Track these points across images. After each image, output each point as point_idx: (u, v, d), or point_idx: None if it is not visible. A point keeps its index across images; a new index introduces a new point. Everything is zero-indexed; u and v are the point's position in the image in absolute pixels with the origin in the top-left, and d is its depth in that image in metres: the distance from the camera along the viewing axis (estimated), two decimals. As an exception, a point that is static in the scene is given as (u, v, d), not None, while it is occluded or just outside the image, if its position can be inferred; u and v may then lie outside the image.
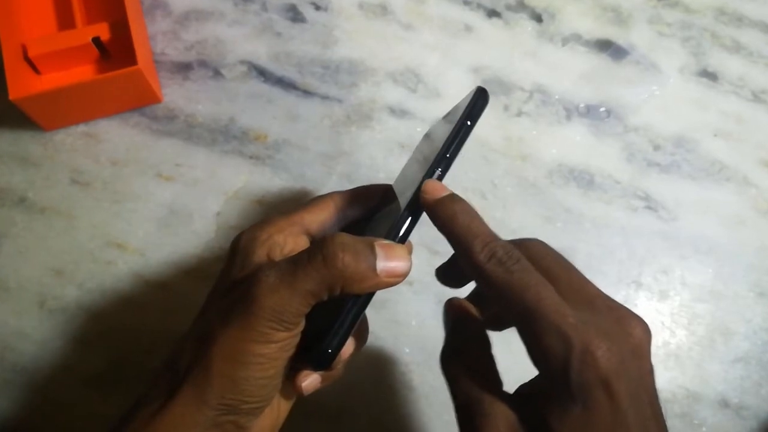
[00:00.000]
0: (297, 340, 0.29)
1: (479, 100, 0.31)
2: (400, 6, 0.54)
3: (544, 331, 0.25)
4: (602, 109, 0.52)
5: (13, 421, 0.44)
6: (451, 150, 0.30)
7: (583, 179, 0.50)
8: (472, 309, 0.32)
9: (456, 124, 0.31)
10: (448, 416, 0.45)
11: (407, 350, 0.46)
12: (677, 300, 0.48)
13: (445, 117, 0.35)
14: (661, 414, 0.26)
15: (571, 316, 0.25)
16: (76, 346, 0.46)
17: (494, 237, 0.28)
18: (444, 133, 0.32)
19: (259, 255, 0.31)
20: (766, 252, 0.49)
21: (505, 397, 0.28)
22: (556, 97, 0.52)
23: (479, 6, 0.54)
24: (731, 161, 0.51)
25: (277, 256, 0.31)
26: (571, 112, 0.52)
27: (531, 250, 0.29)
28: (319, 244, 0.28)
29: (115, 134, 0.50)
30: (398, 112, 0.51)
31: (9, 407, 0.44)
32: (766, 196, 0.50)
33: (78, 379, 0.45)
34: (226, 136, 0.50)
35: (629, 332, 0.26)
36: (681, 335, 0.47)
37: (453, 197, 0.29)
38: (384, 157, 0.50)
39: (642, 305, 0.47)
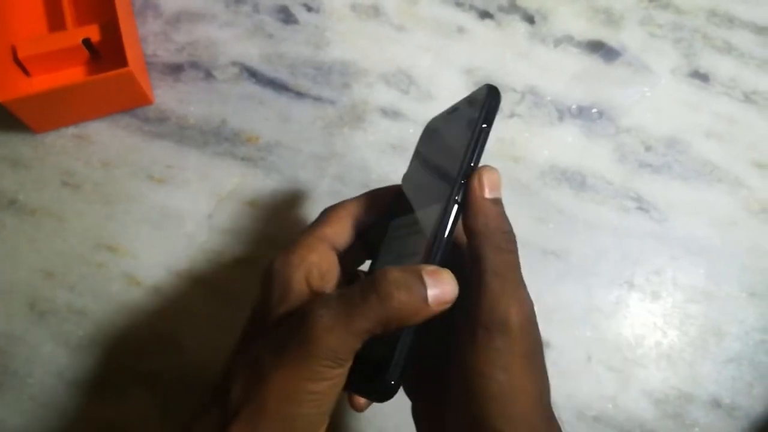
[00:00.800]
0: (347, 372, 0.29)
1: (492, 101, 0.31)
2: (392, 7, 0.54)
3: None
4: (594, 110, 0.52)
5: (3, 425, 0.44)
6: (474, 159, 0.30)
7: (576, 180, 0.50)
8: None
9: (474, 131, 0.30)
10: (441, 418, 0.45)
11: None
12: (669, 301, 0.48)
13: (451, 114, 0.35)
14: None
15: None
16: (66, 349, 0.45)
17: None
18: (460, 137, 0.31)
19: (298, 281, 0.31)
20: (757, 252, 0.49)
21: None
22: (549, 98, 0.52)
23: (471, 7, 0.54)
24: (723, 162, 0.51)
25: (316, 278, 0.31)
26: (563, 113, 0.52)
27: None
28: (371, 283, 0.27)
29: (106, 136, 0.50)
30: (391, 114, 0.51)
31: (-1, 411, 0.44)
32: (757, 197, 0.50)
33: (69, 382, 0.45)
34: (217, 138, 0.50)
35: (524, 308, 0.30)
36: (673, 336, 0.47)
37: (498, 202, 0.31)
38: (376, 159, 0.50)
39: (634, 306, 0.47)
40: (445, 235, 0.29)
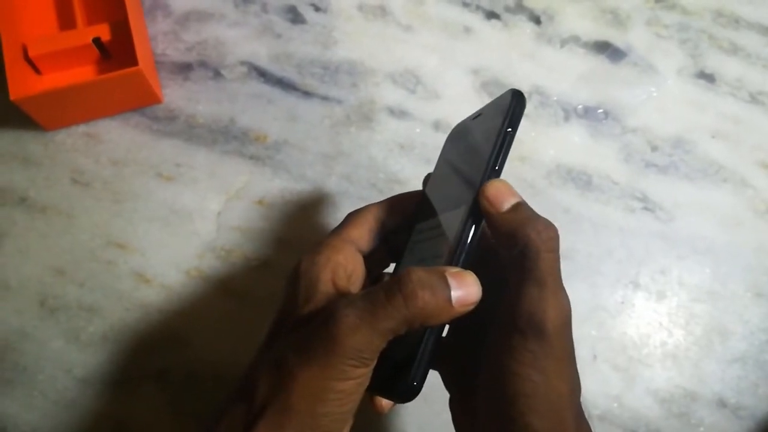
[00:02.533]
0: (371, 372, 0.29)
1: (517, 106, 0.31)
2: (399, 7, 0.54)
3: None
4: (600, 111, 0.52)
5: (14, 420, 0.44)
6: (499, 162, 0.30)
7: (581, 180, 0.50)
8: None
9: (499, 135, 0.30)
10: (447, 415, 0.45)
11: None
12: (675, 300, 0.48)
13: (476, 119, 0.35)
14: None
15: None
16: (76, 346, 0.46)
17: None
18: (484, 140, 0.31)
19: (324, 281, 0.31)
20: (763, 252, 0.49)
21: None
22: (555, 98, 0.52)
23: (478, 8, 0.54)
24: (729, 162, 0.51)
25: (342, 278, 0.31)
26: (570, 113, 0.52)
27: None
28: (396, 283, 0.28)
29: (116, 134, 0.50)
30: (398, 113, 0.51)
31: (9, 406, 0.45)
32: (763, 197, 0.50)
33: (79, 379, 0.45)
34: (226, 137, 0.50)
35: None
36: (678, 335, 0.47)
37: (518, 206, 0.31)
38: (384, 158, 0.50)
39: (640, 305, 0.48)
40: (469, 238, 0.30)
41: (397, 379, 0.29)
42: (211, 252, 0.48)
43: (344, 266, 0.32)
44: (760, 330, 0.47)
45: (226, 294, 0.47)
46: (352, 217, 0.35)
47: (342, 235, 0.33)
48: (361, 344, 0.27)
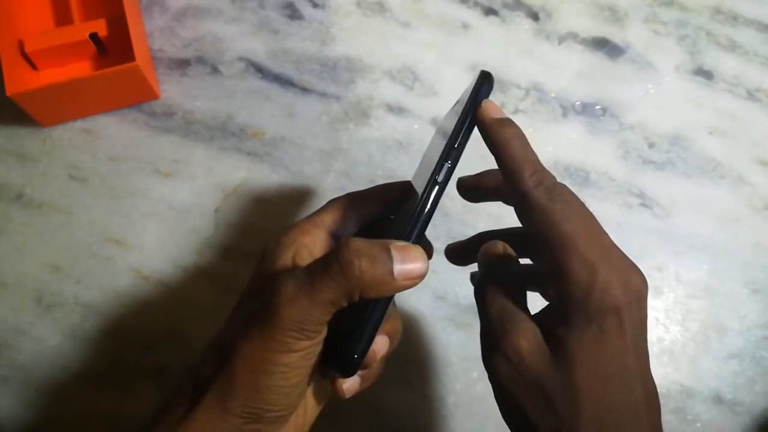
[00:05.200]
0: (319, 347, 0.29)
1: (483, 85, 0.30)
2: (397, 4, 0.54)
3: (574, 258, 0.27)
4: (598, 107, 0.52)
5: (11, 418, 0.44)
6: (458, 141, 0.30)
7: (579, 176, 0.50)
8: (509, 250, 0.33)
9: (461, 113, 0.30)
10: (446, 412, 0.45)
11: (403, 347, 0.46)
12: (672, 296, 0.48)
13: (453, 107, 0.35)
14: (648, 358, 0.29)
15: (598, 251, 0.28)
16: (73, 343, 0.46)
17: (543, 167, 0.29)
18: (452, 124, 0.31)
19: (284, 259, 0.31)
20: (760, 249, 0.49)
21: (532, 317, 0.30)
22: (553, 95, 0.52)
23: (476, 4, 0.54)
24: (726, 159, 0.51)
25: (305, 258, 0.31)
26: (567, 109, 0.52)
27: (565, 191, 0.29)
28: (334, 252, 0.28)
29: (113, 130, 0.50)
30: (396, 110, 0.51)
31: (7, 404, 0.44)
32: (760, 194, 0.50)
33: (76, 376, 0.45)
34: (224, 133, 0.50)
35: (636, 279, 0.28)
36: (675, 331, 0.47)
37: (510, 122, 0.30)
38: (382, 154, 0.50)
39: (637, 302, 0.48)
40: (424, 213, 0.29)
41: (338, 353, 0.29)
42: (209, 248, 0.48)
43: (309, 248, 0.32)
44: (756, 326, 0.47)
45: (223, 290, 0.47)
46: (330, 202, 0.35)
47: (314, 219, 0.33)
48: (300, 315, 0.27)
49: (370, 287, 0.27)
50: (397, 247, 0.28)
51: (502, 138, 0.29)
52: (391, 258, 0.28)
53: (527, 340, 0.28)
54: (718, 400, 0.46)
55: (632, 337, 0.27)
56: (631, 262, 0.29)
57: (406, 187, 0.35)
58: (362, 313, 0.29)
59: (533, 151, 0.30)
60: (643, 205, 0.50)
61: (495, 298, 0.30)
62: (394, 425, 0.45)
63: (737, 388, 0.46)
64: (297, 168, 0.50)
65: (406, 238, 0.29)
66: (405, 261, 0.28)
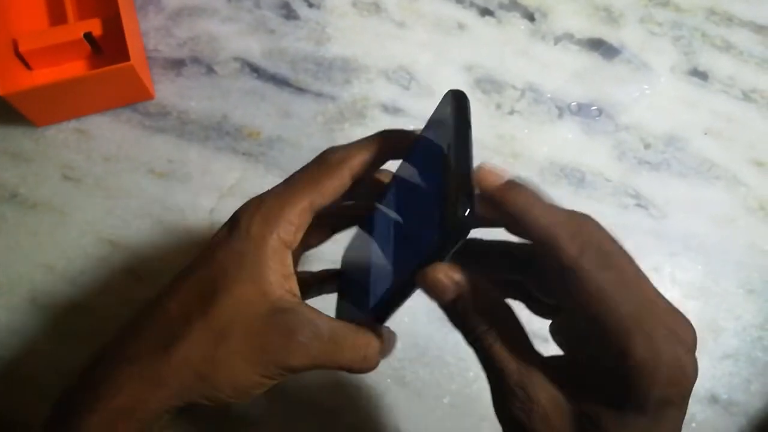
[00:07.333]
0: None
1: (461, 100, 0.28)
2: (393, 4, 0.54)
3: (634, 338, 0.23)
4: (593, 108, 0.52)
5: (3, 420, 0.44)
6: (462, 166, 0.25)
7: (575, 177, 0.50)
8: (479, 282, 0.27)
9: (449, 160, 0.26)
10: (441, 411, 0.45)
11: (399, 347, 0.46)
12: (667, 297, 0.48)
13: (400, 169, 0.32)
14: None
15: (662, 324, 0.23)
16: (67, 343, 0.45)
17: (576, 222, 0.25)
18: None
19: (272, 241, 0.28)
20: (755, 250, 0.49)
21: (547, 370, 0.25)
22: (548, 95, 0.52)
23: (472, 4, 0.54)
24: (721, 160, 0.51)
25: (290, 238, 0.29)
26: (563, 110, 0.52)
27: (592, 233, 0.25)
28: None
29: (107, 130, 0.50)
30: (391, 110, 0.51)
31: (0, 404, 0.44)
32: (755, 195, 0.50)
33: (70, 377, 0.45)
34: (219, 133, 0.50)
35: (690, 336, 0.24)
36: (671, 332, 0.47)
37: (515, 182, 0.26)
38: (377, 155, 0.50)
39: (633, 302, 0.48)
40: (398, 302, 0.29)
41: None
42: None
43: (294, 225, 0.29)
44: (752, 326, 0.47)
45: (218, 291, 0.47)
46: (323, 163, 0.30)
47: (298, 189, 0.30)
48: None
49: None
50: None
51: (518, 206, 0.25)
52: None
53: (555, 418, 0.24)
54: (713, 400, 0.46)
55: (680, 423, 0.24)
56: (679, 314, 0.25)
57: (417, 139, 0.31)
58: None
59: (551, 200, 0.25)
60: (638, 205, 0.50)
61: (502, 361, 0.25)
62: (391, 424, 0.45)
63: (732, 389, 0.46)
64: (292, 168, 0.49)
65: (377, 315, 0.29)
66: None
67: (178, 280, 0.30)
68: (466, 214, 0.23)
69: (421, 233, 0.26)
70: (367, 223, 0.34)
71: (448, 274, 0.25)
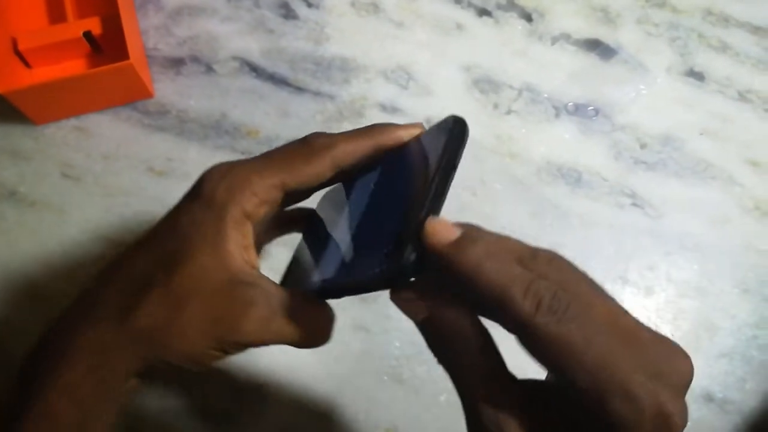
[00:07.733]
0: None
1: (455, 127, 0.27)
2: (391, 4, 0.54)
3: (609, 393, 0.21)
4: (590, 108, 0.52)
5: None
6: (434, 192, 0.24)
7: (571, 177, 0.51)
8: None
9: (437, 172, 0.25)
10: (437, 409, 0.45)
11: (397, 344, 0.46)
12: (663, 296, 0.48)
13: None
14: None
15: (638, 372, 0.21)
16: (66, 340, 0.46)
17: (530, 276, 0.22)
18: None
19: (234, 213, 0.28)
20: (750, 249, 0.49)
21: (524, 401, 0.24)
22: (545, 95, 0.52)
23: (470, 5, 0.55)
24: (717, 160, 0.51)
25: (255, 211, 0.28)
26: (560, 110, 0.52)
27: (560, 272, 0.23)
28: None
29: (107, 129, 0.50)
30: (390, 109, 0.52)
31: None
32: (751, 195, 0.51)
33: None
34: (218, 132, 0.50)
35: (681, 370, 0.22)
36: (666, 331, 0.48)
37: (468, 237, 0.23)
38: (375, 154, 0.50)
39: (628, 301, 0.48)
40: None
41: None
42: (202, 247, 0.48)
43: (260, 197, 0.28)
44: (747, 325, 0.48)
45: (217, 289, 0.47)
46: (307, 146, 0.30)
47: (275, 163, 0.29)
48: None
49: None
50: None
51: (467, 266, 0.22)
52: None
53: None
54: (708, 398, 0.46)
55: None
56: (669, 343, 0.23)
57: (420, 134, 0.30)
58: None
59: (509, 250, 0.23)
60: (634, 205, 0.50)
61: (472, 391, 0.24)
62: (388, 421, 0.45)
63: (727, 387, 0.46)
64: (291, 167, 0.50)
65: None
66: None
67: (142, 244, 0.29)
68: (412, 260, 0.23)
69: (381, 234, 0.26)
70: (347, 186, 0.32)
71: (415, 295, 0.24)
